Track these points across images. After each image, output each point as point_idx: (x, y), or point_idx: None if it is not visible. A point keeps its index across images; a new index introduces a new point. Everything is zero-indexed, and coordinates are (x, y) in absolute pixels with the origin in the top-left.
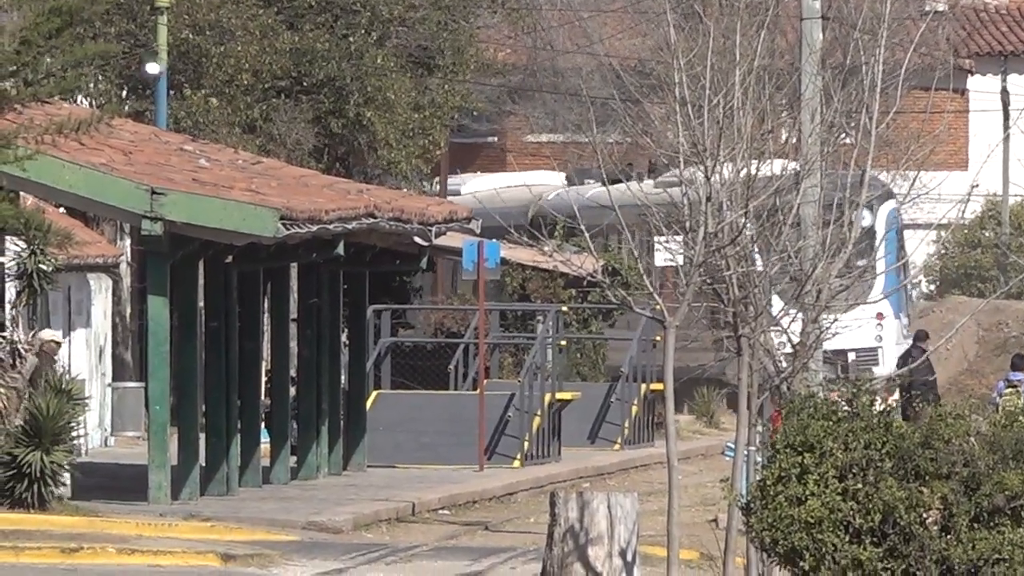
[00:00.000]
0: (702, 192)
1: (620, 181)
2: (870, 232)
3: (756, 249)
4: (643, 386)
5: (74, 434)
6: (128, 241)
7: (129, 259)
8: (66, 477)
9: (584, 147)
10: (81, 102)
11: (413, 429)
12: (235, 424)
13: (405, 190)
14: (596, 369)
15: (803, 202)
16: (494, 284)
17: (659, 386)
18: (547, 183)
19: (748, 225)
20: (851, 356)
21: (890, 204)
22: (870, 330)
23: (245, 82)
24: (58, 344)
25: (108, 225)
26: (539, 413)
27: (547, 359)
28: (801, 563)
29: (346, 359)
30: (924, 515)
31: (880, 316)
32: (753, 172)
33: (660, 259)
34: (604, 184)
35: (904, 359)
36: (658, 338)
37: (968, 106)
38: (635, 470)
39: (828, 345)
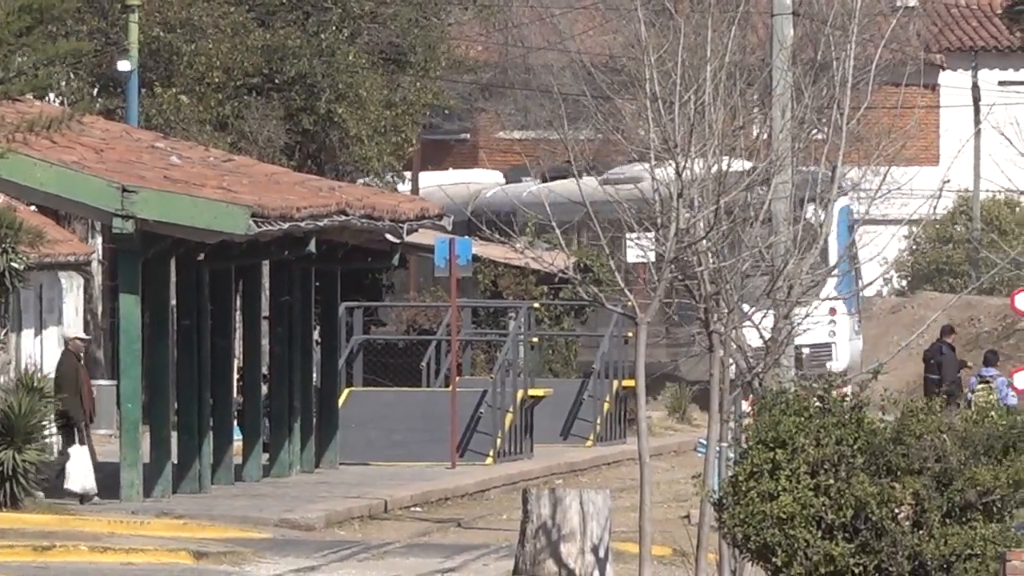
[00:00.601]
0: (673, 188)
1: (563, 178)
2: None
3: (726, 245)
4: (615, 382)
5: (46, 432)
6: (100, 239)
7: (101, 257)
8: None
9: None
10: (52, 100)
11: (385, 426)
12: (207, 422)
13: (377, 187)
14: (568, 366)
15: (774, 198)
16: (466, 281)
17: (631, 382)
18: (486, 181)
19: (719, 221)
20: (805, 351)
21: (842, 201)
22: (823, 326)
23: (216, 79)
24: (83, 341)
25: (80, 223)
26: (511, 410)
27: (519, 356)
28: (773, 559)
29: (318, 356)
30: (896, 511)
31: (833, 312)
32: (724, 168)
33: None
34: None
35: (932, 354)
36: (630, 334)
37: (939, 101)
38: (607, 466)
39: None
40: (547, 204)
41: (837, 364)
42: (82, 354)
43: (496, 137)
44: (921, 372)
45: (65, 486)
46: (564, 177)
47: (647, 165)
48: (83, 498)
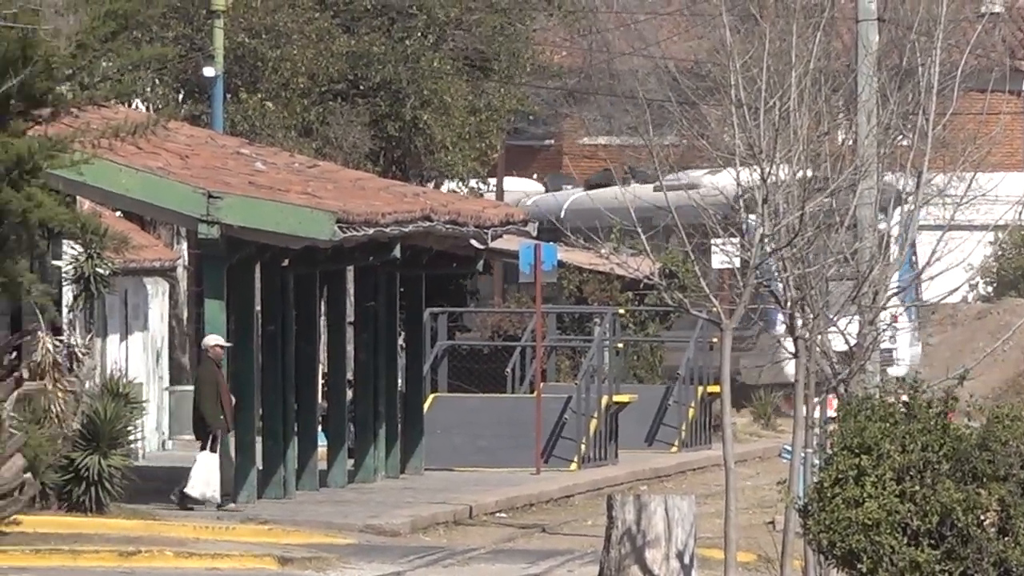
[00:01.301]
0: (758, 194)
1: (603, 186)
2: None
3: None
4: (700, 388)
5: (131, 438)
6: (185, 245)
7: (186, 263)
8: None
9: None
10: (137, 106)
11: (470, 432)
12: (292, 427)
13: (461, 193)
14: (653, 371)
15: (859, 204)
16: (551, 287)
17: (716, 388)
18: (525, 189)
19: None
20: None
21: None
22: (885, 332)
23: (301, 85)
24: (223, 348)
25: (165, 229)
26: (596, 416)
27: (604, 361)
28: (859, 565)
29: (403, 362)
30: (982, 517)
31: (895, 318)
32: (809, 174)
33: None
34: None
35: None
36: (715, 340)
37: None
38: (692, 472)
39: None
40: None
41: (897, 370)
42: (222, 361)
43: (580, 143)
44: (1007, 377)
45: (184, 490)
46: (603, 185)
47: (703, 171)
48: (188, 499)
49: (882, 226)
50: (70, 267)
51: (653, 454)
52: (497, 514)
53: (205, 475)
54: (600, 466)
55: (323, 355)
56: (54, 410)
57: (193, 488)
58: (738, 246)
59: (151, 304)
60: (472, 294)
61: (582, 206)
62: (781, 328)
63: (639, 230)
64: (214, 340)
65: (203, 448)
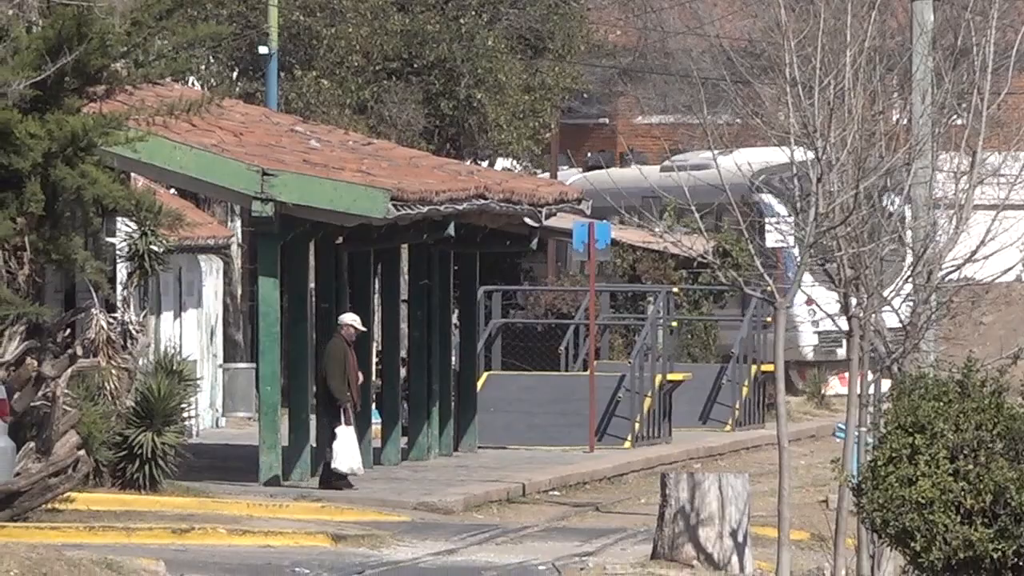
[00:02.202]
0: (813, 173)
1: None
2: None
3: (865, 230)
4: (754, 367)
5: (185, 415)
6: (239, 222)
7: (240, 240)
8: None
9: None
10: (192, 83)
11: (524, 410)
12: None
13: (516, 171)
14: (707, 350)
15: (914, 183)
16: (604, 265)
17: (770, 367)
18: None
19: (859, 206)
20: (816, 340)
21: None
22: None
23: (356, 63)
24: (357, 329)
25: (219, 206)
26: (650, 394)
27: (658, 340)
28: (912, 544)
29: (457, 340)
30: None
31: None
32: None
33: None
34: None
35: None
36: (769, 319)
37: None
38: (746, 451)
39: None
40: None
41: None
42: (352, 340)
43: (634, 122)
44: None
45: (333, 466)
46: (599, 167)
47: (713, 152)
48: (341, 477)
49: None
50: (124, 244)
51: (706, 433)
52: (550, 492)
53: (348, 449)
54: (653, 444)
55: (377, 333)
56: (108, 387)
57: (341, 463)
58: (793, 225)
59: (205, 282)
60: (526, 272)
61: (582, 188)
62: (798, 307)
63: (693, 208)
64: (350, 319)
65: (336, 423)
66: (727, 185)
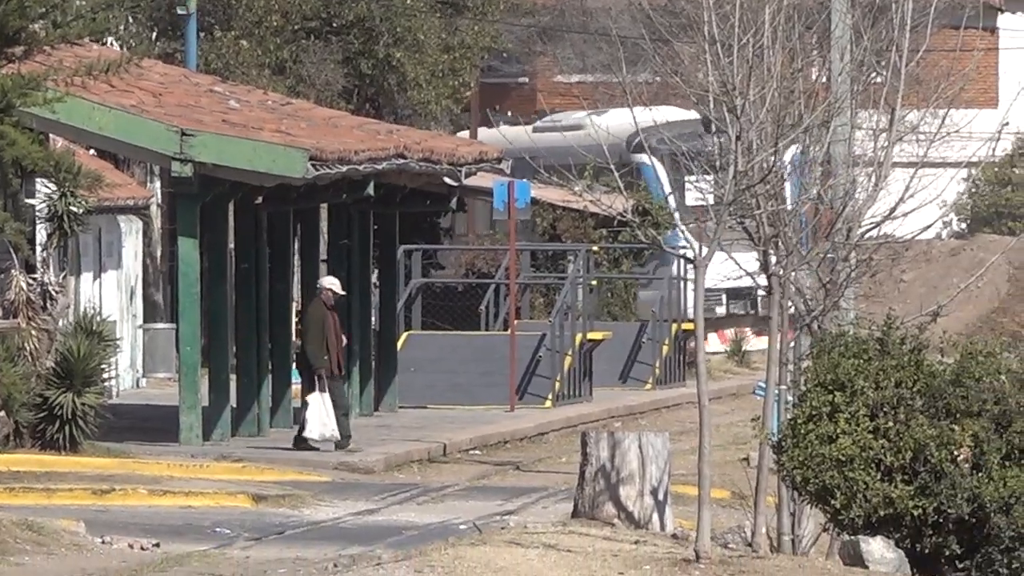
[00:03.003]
0: (731, 130)
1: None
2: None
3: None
4: (674, 325)
5: (105, 376)
6: (158, 183)
7: (159, 201)
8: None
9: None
10: (111, 44)
11: (444, 370)
12: (266, 365)
13: (438, 131)
14: (627, 309)
15: (833, 141)
16: (524, 224)
17: (690, 325)
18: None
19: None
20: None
21: (794, 148)
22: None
23: (274, 23)
24: (336, 293)
25: (138, 167)
26: (570, 353)
27: (578, 299)
28: (832, 501)
29: (376, 300)
30: (955, 453)
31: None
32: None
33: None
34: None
35: None
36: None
37: (998, 44)
38: (666, 410)
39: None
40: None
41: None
42: (331, 304)
43: (554, 81)
44: (980, 314)
45: (303, 434)
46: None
47: (585, 113)
48: (329, 445)
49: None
50: (43, 205)
51: (627, 391)
52: (471, 451)
53: (319, 416)
54: (574, 403)
55: (297, 293)
56: (28, 348)
57: (311, 431)
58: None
59: (125, 242)
60: (446, 232)
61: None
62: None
63: (611, 167)
64: (329, 282)
65: (311, 390)
66: (602, 146)
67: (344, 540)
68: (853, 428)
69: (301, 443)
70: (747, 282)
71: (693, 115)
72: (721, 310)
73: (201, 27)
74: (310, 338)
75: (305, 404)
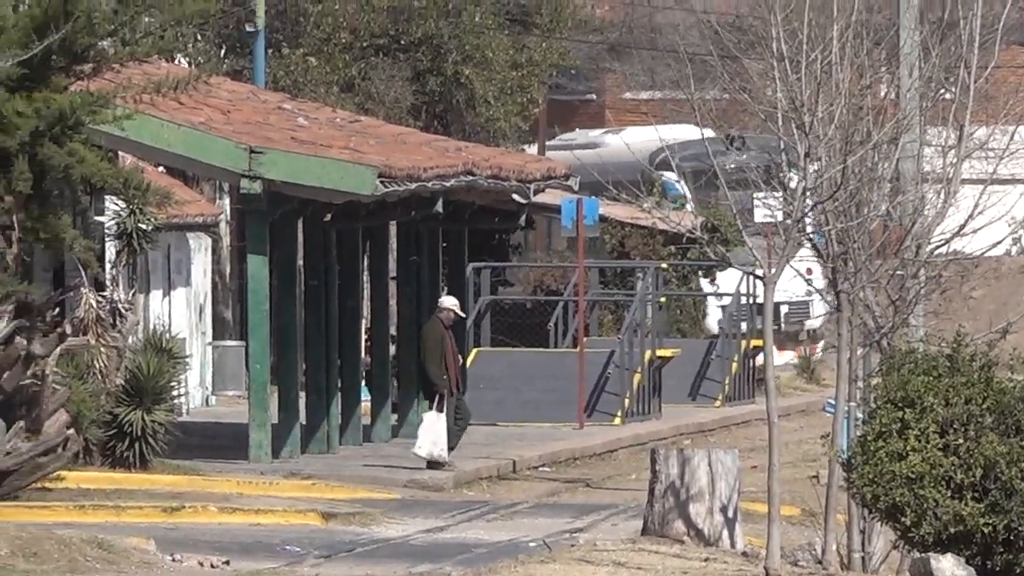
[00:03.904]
0: (800, 147)
1: None
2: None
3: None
4: (743, 342)
5: (174, 393)
6: (227, 200)
7: (228, 218)
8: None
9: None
10: (180, 61)
11: (513, 387)
12: (335, 382)
13: (505, 148)
14: (696, 326)
15: (901, 157)
16: (593, 241)
17: (759, 342)
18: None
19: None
20: (784, 309)
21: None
22: (801, 284)
23: (343, 40)
24: (456, 314)
25: (207, 184)
26: (639, 370)
27: (647, 316)
28: (902, 519)
29: None
30: None
31: (810, 271)
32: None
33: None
34: None
35: None
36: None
37: None
38: (736, 427)
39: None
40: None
41: (813, 321)
42: (450, 324)
43: (622, 97)
44: None
45: (412, 450)
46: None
47: (602, 131)
48: (431, 464)
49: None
50: (113, 223)
51: (696, 408)
52: (540, 468)
53: (432, 435)
54: (643, 420)
55: (366, 310)
56: (97, 366)
57: (420, 448)
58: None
59: (194, 259)
60: (515, 249)
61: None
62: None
63: (682, 184)
64: (450, 303)
65: (430, 408)
66: (619, 163)
67: (413, 558)
68: (923, 445)
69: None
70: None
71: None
72: (743, 326)
73: (269, 44)
74: (429, 357)
75: (420, 420)
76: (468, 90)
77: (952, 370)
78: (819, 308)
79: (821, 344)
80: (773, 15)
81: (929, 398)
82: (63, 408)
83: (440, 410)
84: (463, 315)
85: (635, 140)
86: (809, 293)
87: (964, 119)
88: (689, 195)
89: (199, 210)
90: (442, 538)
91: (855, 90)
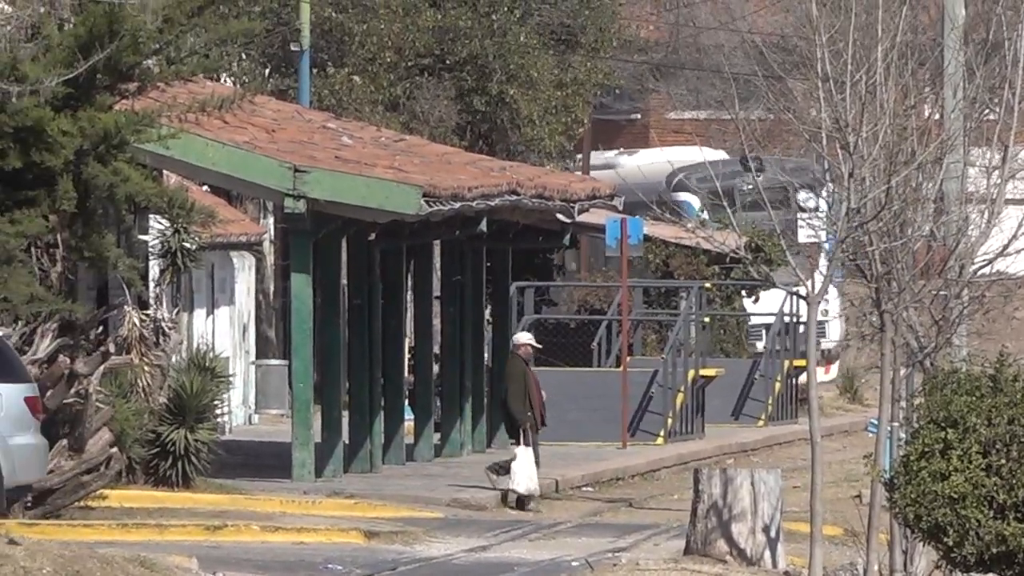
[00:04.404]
0: (845, 168)
1: None
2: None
3: (897, 225)
4: (786, 362)
5: (218, 412)
6: (271, 219)
7: (272, 237)
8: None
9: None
10: (224, 80)
11: (556, 406)
12: (378, 401)
13: (548, 167)
14: (739, 346)
15: (946, 178)
16: (637, 261)
17: (802, 362)
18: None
19: (890, 201)
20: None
21: (830, 186)
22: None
23: (388, 60)
24: (533, 348)
25: (251, 203)
26: (682, 390)
27: (690, 336)
28: (945, 539)
29: (489, 336)
30: None
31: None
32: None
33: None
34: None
35: None
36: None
37: None
38: (779, 447)
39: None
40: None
41: (827, 341)
42: (531, 359)
43: (667, 118)
44: None
45: (510, 486)
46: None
47: (616, 152)
48: (523, 500)
49: (810, 203)
50: (157, 241)
51: (739, 428)
52: (583, 488)
53: (527, 470)
54: (686, 440)
55: (409, 329)
56: (140, 384)
57: (519, 485)
58: (824, 220)
59: (237, 278)
60: (559, 268)
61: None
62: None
63: (725, 204)
64: (526, 339)
65: (517, 443)
66: (637, 184)
67: None
68: (966, 465)
69: (510, 495)
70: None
71: (721, 155)
72: (761, 345)
73: (314, 63)
74: (512, 392)
75: (513, 457)
76: (512, 110)
77: (995, 390)
78: (834, 330)
79: (835, 365)
80: (818, 35)
81: (972, 418)
82: (106, 427)
83: (527, 444)
84: (539, 346)
85: (650, 161)
86: (825, 313)
87: (1008, 139)
88: (705, 216)
89: (243, 229)
90: (485, 557)
91: (899, 110)
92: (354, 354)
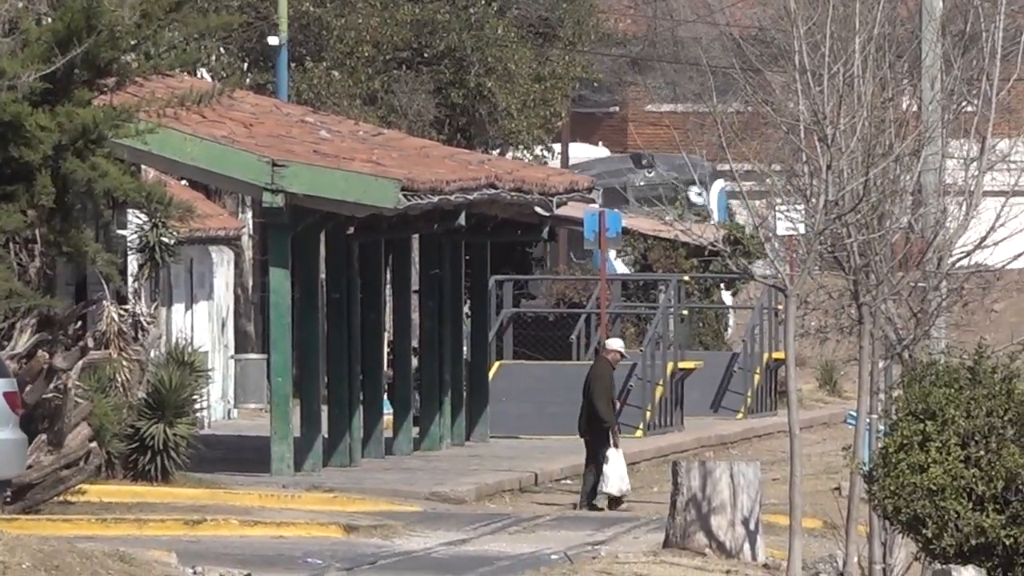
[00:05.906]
0: (822, 160)
1: None
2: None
3: (875, 217)
4: (765, 355)
5: (196, 406)
6: (250, 213)
7: (251, 231)
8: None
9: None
10: (202, 75)
11: (535, 400)
12: (357, 395)
13: (526, 160)
14: (718, 338)
15: (924, 170)
16: (615, 254)
17: (781, 355)
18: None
19: (868, 193)
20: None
21: (719, 183)
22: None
23: (366, 54)
24: (622, 356)
25: (230, 197)
26: (661, 383)
27: (669, 328)
28: (924, 530)
29: (468, 330)
30: None
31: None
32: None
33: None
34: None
35: None
36: (780, 307)
37: None
38: (758, 439)
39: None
40: None
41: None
42: (615, 365)
43: (645, 110)
44: None
45: (604, 489)
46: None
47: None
48: (614, 501)
49: (699, 199)
50: (135, 236)
51: (718, 421)
52: (563, 481)
53: (619, 471)
54: (665, 433)
55: (388, 323)
56: (119, 379)
57: (612, 487)
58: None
59: (216, 273)
60: (537, 261)
61: None
62: None
63: (702, 196)
64: (616, 345)
65: (606, 446)
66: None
67: (435, 570)
68: (944, 457)
69: (594, 495)
70: None
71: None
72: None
73: (292, 58)
74: (598, 395)
75: (605, 459)
76: (491, 103)
77: (973, 382)
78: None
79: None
80: (796, 28)
81: (950, 410)
82: (85, 421)
83: (616, 445)
84: (627, 357)
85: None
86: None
87: (986, 131)
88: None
89: (222, 224)
90: (464, 551)
91: (877, 102)
92: (333, 348)
